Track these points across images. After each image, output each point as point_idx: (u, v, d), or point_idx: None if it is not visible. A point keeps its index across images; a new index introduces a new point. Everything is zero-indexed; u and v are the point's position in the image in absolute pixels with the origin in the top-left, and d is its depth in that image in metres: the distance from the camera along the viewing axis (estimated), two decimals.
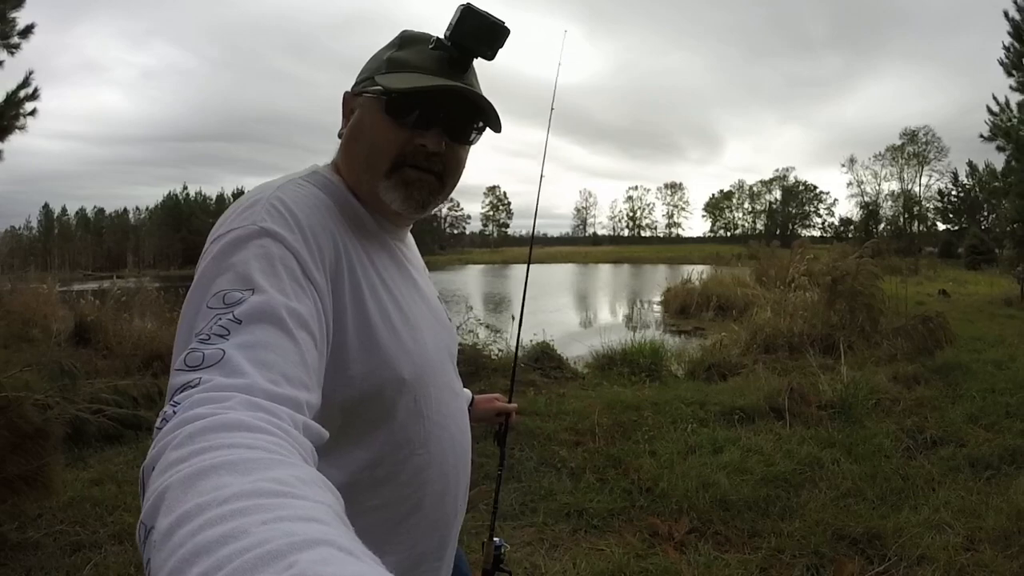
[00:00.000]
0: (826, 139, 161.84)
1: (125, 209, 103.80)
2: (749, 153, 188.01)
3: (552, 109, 1.99)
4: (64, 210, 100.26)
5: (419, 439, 1.07)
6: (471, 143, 1.11)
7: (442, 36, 1.04)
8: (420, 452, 1.07)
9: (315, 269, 0.91)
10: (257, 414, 0.63)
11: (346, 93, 1.11)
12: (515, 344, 2.16)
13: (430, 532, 1.11)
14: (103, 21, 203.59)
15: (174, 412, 0.62)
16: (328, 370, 0.89)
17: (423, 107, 1.02)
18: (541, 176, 2.01)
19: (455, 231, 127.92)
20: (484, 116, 1.08)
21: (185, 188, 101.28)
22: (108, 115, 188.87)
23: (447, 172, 1.08)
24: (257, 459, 0.54)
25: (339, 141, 1.12)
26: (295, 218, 0.93)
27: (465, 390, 1.40)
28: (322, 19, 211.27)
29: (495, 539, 1.55)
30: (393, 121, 1.02)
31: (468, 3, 1.02)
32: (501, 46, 1.05)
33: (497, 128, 1.09)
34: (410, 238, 1.25)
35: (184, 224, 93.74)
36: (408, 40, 1.07)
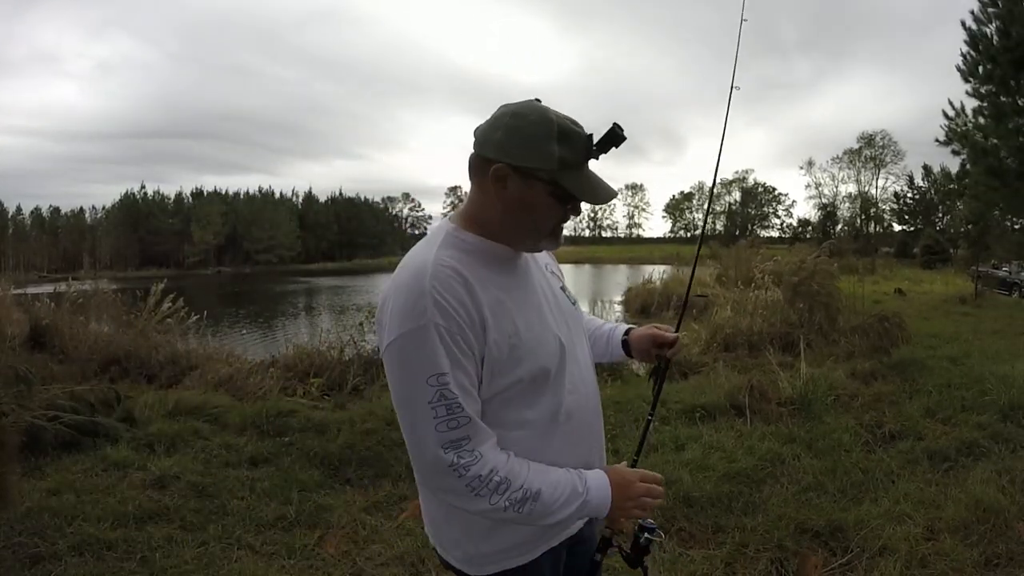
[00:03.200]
0: (789, 141, 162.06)
1: (81, 208, 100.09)
2: (714, 155, 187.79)
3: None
4: (19, 209, 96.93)
5: (565, 393, 1.55)
6: None
7: (591, 135, 1.44)
8: (568, 400, 1.56)
9: (471, 333, 1.37)
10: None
11: (500, 166, 1.42)
12: (694, 262, 2.42)
13: (591, 446, 1.67)
14: (58, 7, 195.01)
15: (472, 461, 1.37)
16: (497, 369, 1.43)
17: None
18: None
19: (416, 231, 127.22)
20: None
21: (143, 187, 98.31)
22: (63, 110, 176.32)
23: None
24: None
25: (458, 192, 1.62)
26: (450, 303, 1.36)
27: (621, 324, 2.05)
28: (289, 14, 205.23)
29: (646, 521, 1.73)
30: (561, 204, 1.47)
31: (616, 124, 1.41)
32: None
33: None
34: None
35: (142, 224, 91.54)
36: (564, 135, 1.41)
